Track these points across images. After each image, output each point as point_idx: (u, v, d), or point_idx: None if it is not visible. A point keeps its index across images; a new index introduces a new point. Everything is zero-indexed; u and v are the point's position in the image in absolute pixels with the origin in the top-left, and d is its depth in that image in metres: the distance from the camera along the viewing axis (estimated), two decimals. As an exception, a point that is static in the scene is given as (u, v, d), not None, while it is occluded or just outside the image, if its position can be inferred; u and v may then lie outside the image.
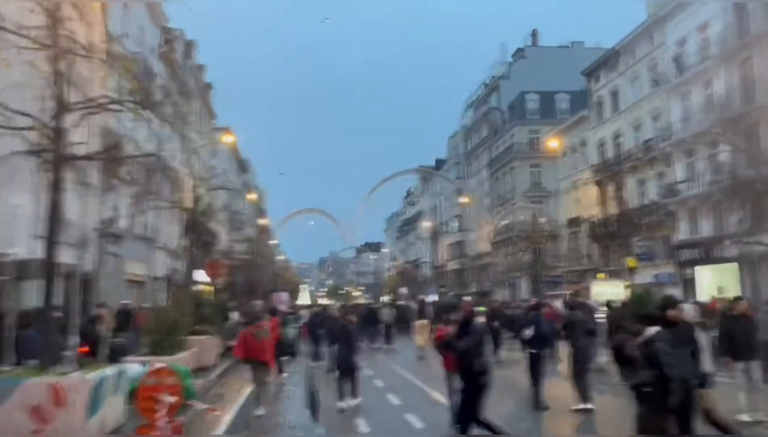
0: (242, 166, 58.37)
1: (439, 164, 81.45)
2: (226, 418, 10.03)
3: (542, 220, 46.55)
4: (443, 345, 8.05)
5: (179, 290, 19.45)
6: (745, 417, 8.46)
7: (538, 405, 10.28)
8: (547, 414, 10.13)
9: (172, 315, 14.35)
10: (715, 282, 30.55)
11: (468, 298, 19.75)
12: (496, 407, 10.58)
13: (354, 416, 10.38)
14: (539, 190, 52.93)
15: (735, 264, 29.10)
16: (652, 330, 5.90)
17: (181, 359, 13.15)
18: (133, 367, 10.71)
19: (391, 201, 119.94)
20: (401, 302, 39.06)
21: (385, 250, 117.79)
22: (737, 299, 10.76)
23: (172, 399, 7.10)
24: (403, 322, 28.87)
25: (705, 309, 15.93)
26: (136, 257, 25.96)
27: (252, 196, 55.23)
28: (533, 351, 10.63)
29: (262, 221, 60.84)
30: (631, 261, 27.36)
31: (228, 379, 15.34)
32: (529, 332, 10.71)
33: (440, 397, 10.83)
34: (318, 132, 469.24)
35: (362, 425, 9.76)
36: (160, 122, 11.29)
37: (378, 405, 11.46)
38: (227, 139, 38.36)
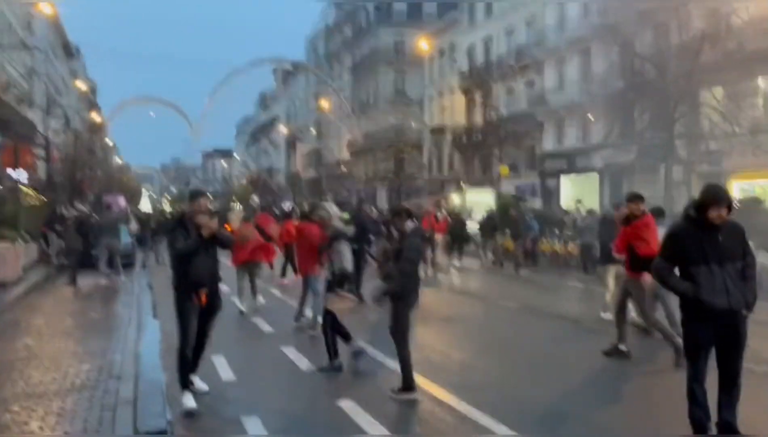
0: (68, 50, 49.95)
1: (297, 66, 76.44)
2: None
3: (413, 123, 44.71)
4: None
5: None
6: (607, 316, 9.03)
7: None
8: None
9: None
10: (576, 193, 30.75)
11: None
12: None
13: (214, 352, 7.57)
14: (404, 97, 50.85)
15: (596, 175, 29.28)
16: (410, 225, 5.88)
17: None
18: None
19: (243, 105, 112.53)
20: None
21: (235, 157, 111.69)
22: (616, 206, 10.35)
23: None
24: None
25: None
26: None
27: (80, 84, 47.68)
28: (354, 246, 10.24)
29: (93, 116, 53.29)
30: (503, 169, 26.36)
31: (36, 299, 11.71)
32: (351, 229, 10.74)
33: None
34: (160, 26, 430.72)
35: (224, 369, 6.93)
36: None
37: (249, 336, 8.78)
38: (45, 8, 31.46)
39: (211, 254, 5.68)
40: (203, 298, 5.60)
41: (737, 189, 23.55)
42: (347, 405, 5.49)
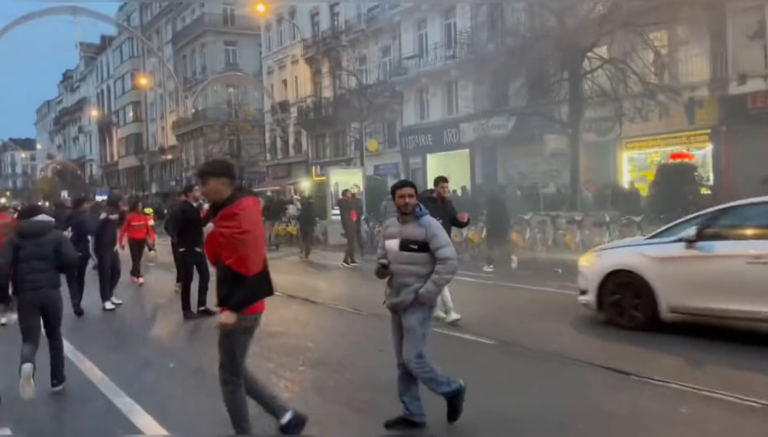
0: None
1: (107, 40, 66.45)
2: None
3: (256, 94, 39.07)
4: None
5: None
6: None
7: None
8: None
9: None
10: (442, 171, 27.67)
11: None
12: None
13: None
14: (236, 71, 45.10)
15: (467, 151, 26.43)
16: None
17: None
18: None
19: (44, 89, 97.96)
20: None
21: (38, 147, 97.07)
22: (440, 179, 8.19)
23: None
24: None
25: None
26: None
27: None
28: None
29: None
30: (371, 143, 22.35)
31: None
32: (67, 233, 9.28)
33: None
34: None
35: None
36: None
37: None
38: None
39: None
40: None
41: (627, 160, 21.74)
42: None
